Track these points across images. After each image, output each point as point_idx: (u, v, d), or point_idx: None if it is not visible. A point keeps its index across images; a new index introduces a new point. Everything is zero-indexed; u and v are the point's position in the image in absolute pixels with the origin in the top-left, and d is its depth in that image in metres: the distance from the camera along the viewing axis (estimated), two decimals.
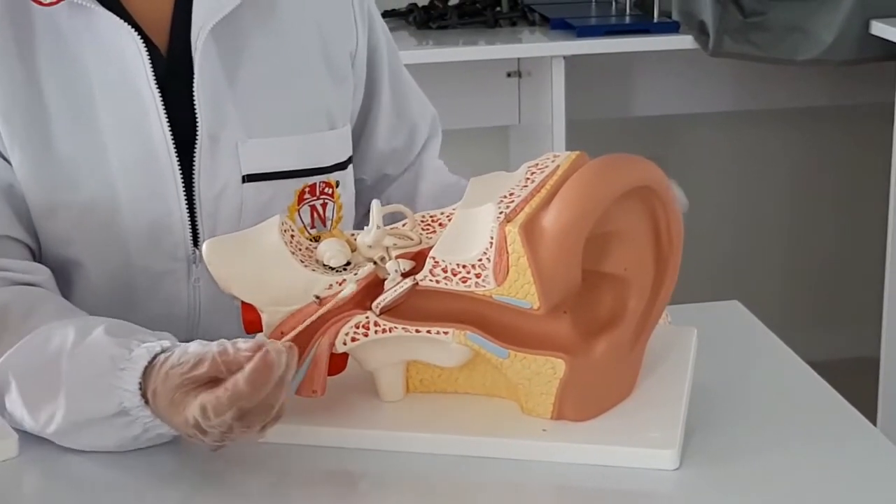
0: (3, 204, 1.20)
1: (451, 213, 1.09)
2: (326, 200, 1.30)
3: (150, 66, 1.20)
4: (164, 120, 1.21)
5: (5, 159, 1.20)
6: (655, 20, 2.70)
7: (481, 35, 2.71)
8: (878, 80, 2.72)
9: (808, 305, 3.22)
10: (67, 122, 1.20)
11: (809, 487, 0.99)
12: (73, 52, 1.20)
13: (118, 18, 1.19)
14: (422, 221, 1.11)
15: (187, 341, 1.28)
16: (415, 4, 2.78)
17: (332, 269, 1.06)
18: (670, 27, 2.68)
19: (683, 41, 2.66)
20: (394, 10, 2.77)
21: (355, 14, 1.33)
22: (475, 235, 1.03)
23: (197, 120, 1.22)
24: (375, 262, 1.06)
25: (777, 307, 3.04)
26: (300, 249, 1.07)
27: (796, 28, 2.65)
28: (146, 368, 1.01)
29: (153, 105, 1.21)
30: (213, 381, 0.97)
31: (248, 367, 0.94)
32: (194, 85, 1.22)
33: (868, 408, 2.33)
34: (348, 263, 1.06)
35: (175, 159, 1.22)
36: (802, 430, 1.07)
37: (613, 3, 2.85)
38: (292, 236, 1.07)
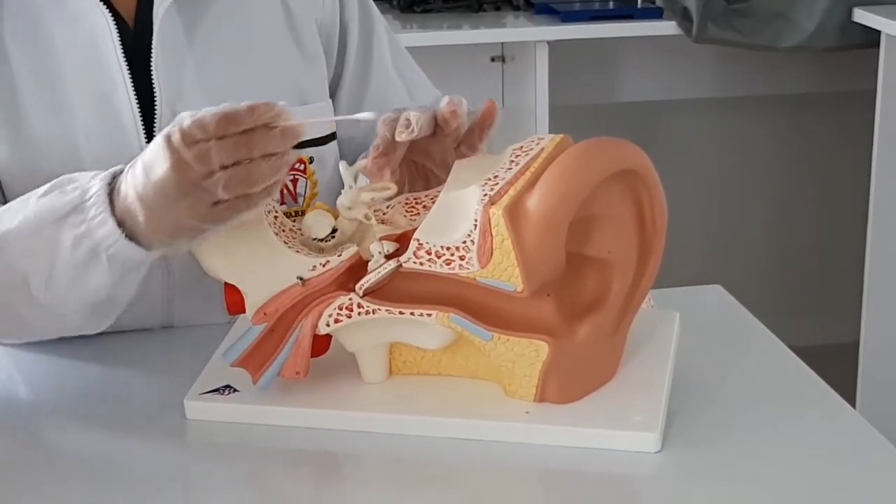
0: None
1: (436, 196, 1.09)
2: (297, 176, 1.29)
3: (119, 39, 1.20)
4: (132, 93, 1.21)
5: None
6: (639, 6, 2.70)
7: (465, 19, 2.70)
8: (861, 67, 2.73)
9: (789, 290, 3.23)
10: (37, 97, 1.20)
11: (791, 469, 0.99)
12: (43, 28, 1.20)
13: None
14: (406, 203, 1.11)
15: (162, 323, 1.28)
16: None
17: (318, 240, 1.06)
18: (654, 13, 2.67)
19: (667, 27, 2.66)
20: None
21: None
22: (459, 218, 1.02)
23: (154, 93, 1.22)
24: (361, 221, 1.06)
25: (759, 292, 3.05)
26: (283, 230, 1.07)
27: (779, 15, 2.66)
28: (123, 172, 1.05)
29: (121, 78, 1.21)
30: None
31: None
32: (152, 58, 1.22)
33: (848, 391, 2.35)
34: (334, 232, 1.06)
35: (142, 132, 1.22)
36: (784, 412, 1.07)
37: None
38: (275, 217, 1.07)
